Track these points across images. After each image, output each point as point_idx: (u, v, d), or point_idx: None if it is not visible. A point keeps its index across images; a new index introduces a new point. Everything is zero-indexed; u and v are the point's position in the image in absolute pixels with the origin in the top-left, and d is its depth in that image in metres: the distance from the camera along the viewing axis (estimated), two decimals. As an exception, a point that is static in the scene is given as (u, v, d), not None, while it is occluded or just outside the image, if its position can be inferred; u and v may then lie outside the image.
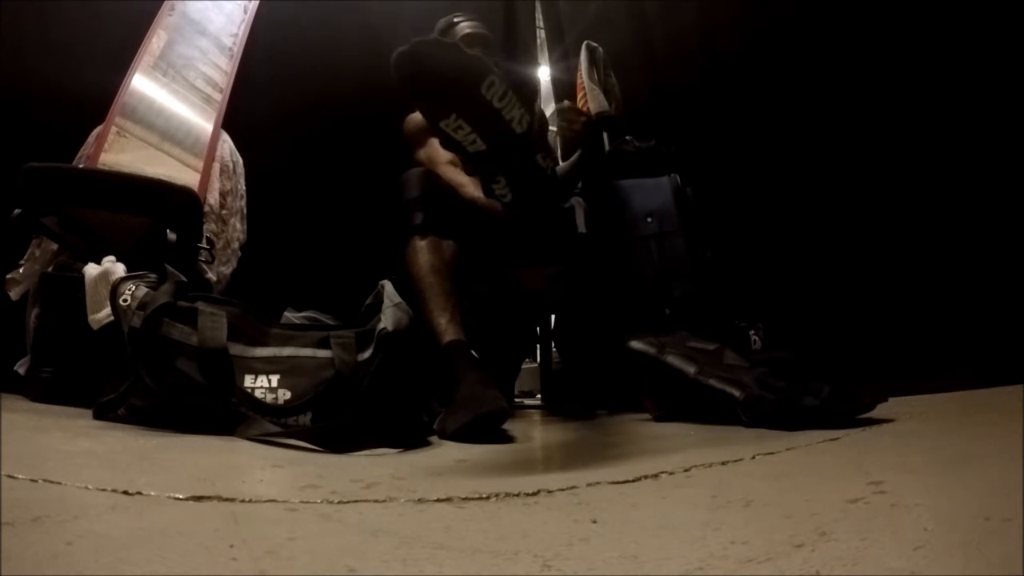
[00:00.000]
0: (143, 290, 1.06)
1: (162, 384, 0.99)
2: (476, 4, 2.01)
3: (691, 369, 1.23)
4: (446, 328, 1.23)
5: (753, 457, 0.78)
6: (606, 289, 1.48)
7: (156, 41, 1.85)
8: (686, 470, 0.71)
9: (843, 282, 1.79)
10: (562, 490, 0.63)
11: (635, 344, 1.32)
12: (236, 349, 1.03)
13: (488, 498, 0.60)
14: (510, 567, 0.42)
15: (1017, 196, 1.55)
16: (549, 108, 1.72)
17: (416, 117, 1.63)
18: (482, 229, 1.41)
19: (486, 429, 1.04)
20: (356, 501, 0.58)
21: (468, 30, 1.68)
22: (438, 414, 1.12)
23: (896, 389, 1.39)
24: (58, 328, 1.36)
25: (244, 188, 1.91)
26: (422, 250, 1.31)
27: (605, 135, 1.84)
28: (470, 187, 1.43)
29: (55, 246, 1.50)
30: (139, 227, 1.44)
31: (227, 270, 1.81)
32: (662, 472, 0.70)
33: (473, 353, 1.22)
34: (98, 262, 1.19)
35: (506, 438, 1.07)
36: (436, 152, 1.55)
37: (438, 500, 0.59)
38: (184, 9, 1.97)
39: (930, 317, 1.63)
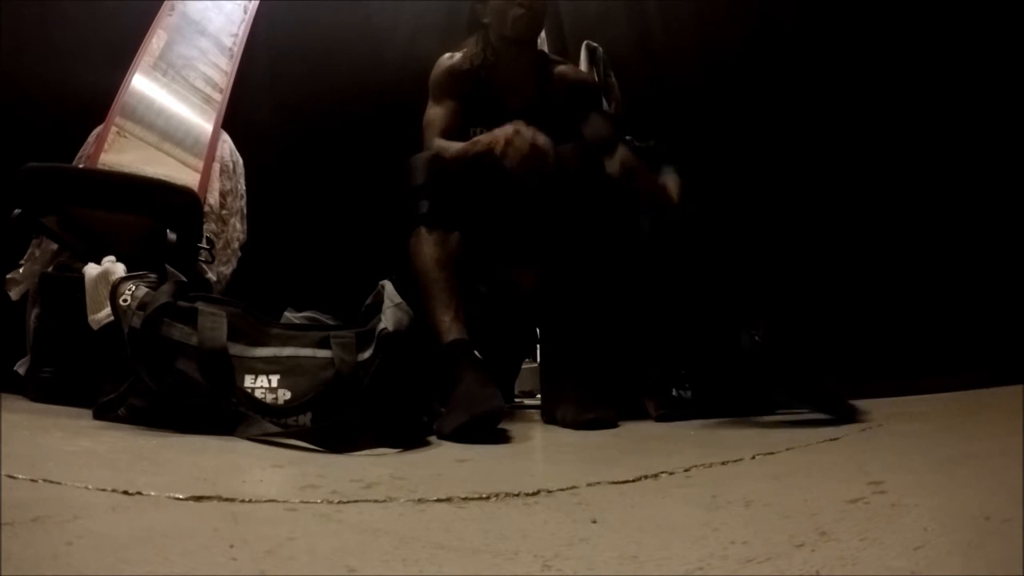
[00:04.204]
0: (143, 290, 1.06)
1: (162, 384, 0.99)
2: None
3: None
4: (450, 326, 1.19)
5: (753, 457, 0.78)
6: (606, 289, 1.48)
7: (156, 41, 1.85)
8: (686, 470, 0.71)
9: (844, 282, 1.79)
10: (562, 490, 0.63)
11: None
12: (236, 349, 1.03)
13: (488, 498, 0.60)
14: (510, 567, 0.42)
15: (1017, 196, 1.55)
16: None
17: (442, 63, 1.53)
18: (486, 223, 1.39)
19: (482, 429, 1.04)
20: (356, 501, 0.58)
21: None
22: (438, 414, 1.12)
23: (896, 389, 1.39)
24: (58, 328, 1.36)
25: (244, 188, 1.91)
26: (428, 243, 1.26)
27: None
28: (454, 145, 1.37)
29: (55, 246, 1.50)
30: (139, 227, 1.44)
31: (227, 270, 1.81)
32: (662, 472, 0.70)
33: (476, 353, 1.21)
34: (98, 262, 1.19)
35: (506, 438, 1.07)
36: (435, 116, 1.49)
37: (438, 500, 0.59)
38: (184, 9, 1.97)
39: (930, 317, 1.63)
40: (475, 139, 1.35)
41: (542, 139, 1.27)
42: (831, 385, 1.33)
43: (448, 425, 1.05)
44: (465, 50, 1.54)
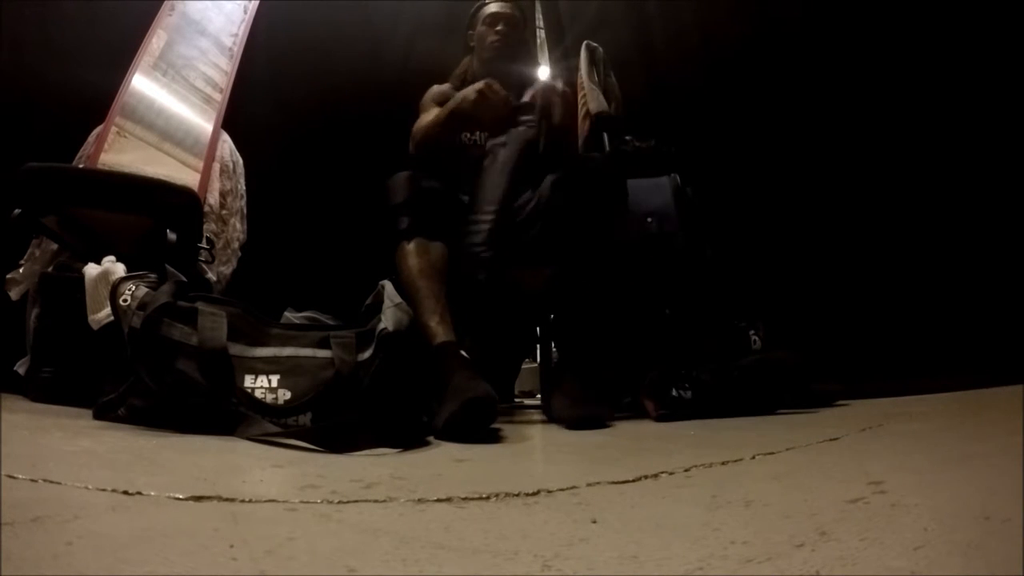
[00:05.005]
0: (143, 290, 1.06)
1: (162, 384, 0.99)
2: (475, 4, 2.01)
3: None
4: (436, 330, 1.24)
5: (753, 457, 0.78)
6: (606, 290, 1.48)
7: (156, 41, 1.85)
8: (686, 470, 0.71)
9: (844, 282, 1.79)
10: (562, 490, 0.63)
11: None
12: (236, 349, 1.03)
13: (488, 498, 0.60)
14: (510, 567, 0.42)
15: (1017, 196, 1.55)
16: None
17: (431, 90, 1.67)
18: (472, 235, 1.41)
19: (475, 416, 1.05)
20: (356, 501, 0.58)
21: (494, 9, 1.71)
22: (436, 414, 1.12)
23: (896, 389, 1.39)
24: (58, 328, 1.36)
25: (244, 188, 1.91)
26: (410, 254, 1.32)
27: (605, 135, 1.84)
28: (440, 111, 1.50)
29: (55, 246, 1.50)
30: (139, 227, 1.44)
31: (227, 270, 1.81)
32: (662, 472, 0.70)
33: (463, 353, 1.22)
34: (98, 262, 1.19)
35: (505, 438, 1.07)
36: (422, 119, 1.59)
37: (438, 500, 0.59)
38: (184, 9, 1.97)
39: (930, 317, 1.63)
40: (446, 105, 1.49)
41: (502, 91, 1.43)
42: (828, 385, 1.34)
43: (441, 417, 1.06)
44: (451, 80, 1.71)
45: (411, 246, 1.33)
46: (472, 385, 1.08)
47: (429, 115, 1.58)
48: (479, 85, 1.42)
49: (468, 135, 1.59)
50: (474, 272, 1.36)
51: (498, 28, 1.67)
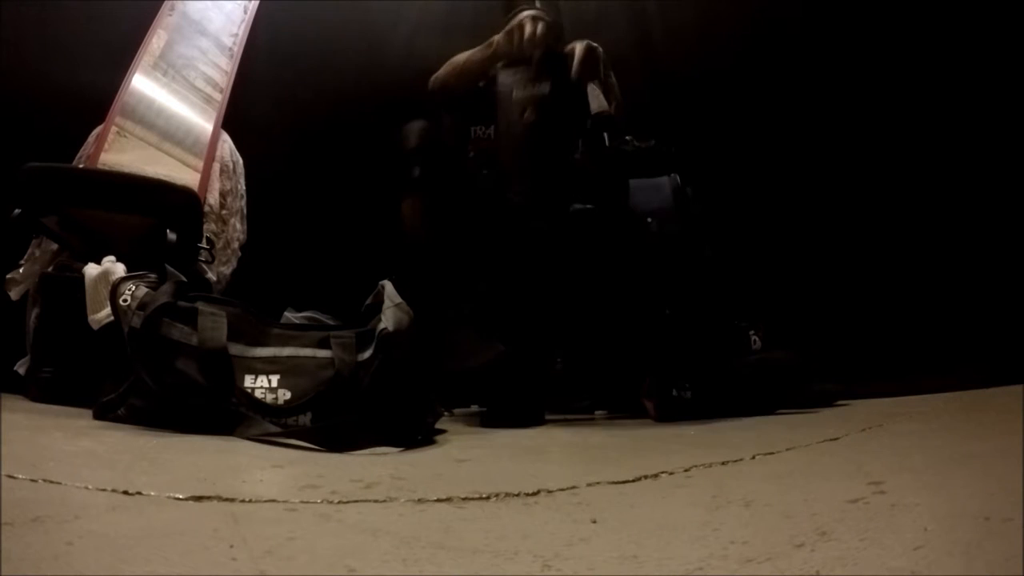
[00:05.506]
0: (143, 290, 1.06)
1: (162, 384, 0.99)
2: (476, 4, 2.02)
3: None
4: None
5: (753, 457, 0.78)
6: (607, 289, 1.48)
7: (156, 41, 1.85)
8: (686, 470, 0.71)
9: (843, 282, 1.79)
10: (562, 490, 0.63)
11: None
12: (236, 349, 1.03)
13: (488, 498, 0.60)
14: (510, 567, 0.42)
15: (1017, 196, 1.55)
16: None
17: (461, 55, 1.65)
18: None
19: (510, 367, 1.05)
20: (356, 501, 0.58)
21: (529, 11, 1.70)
22: (440, 415, 1.12)
23: (896, 389, 1.39)
24: (58, 328, 1.36)
25: (244, 188, 1.91)
26: (419, 207, 1.31)
27: (605, 135, 1.84)
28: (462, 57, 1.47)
29: (55, 246, 1.50)
30: (139, 227, 1.44)
31: (227, 270, 1.81)
32: (662, 472, 0.70)
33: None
34: (98, 262, 1.19)
35: (504, 437, 1.07)
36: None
37: (438, 500, 0.59)
38: (184, 9, 1.97)
39: (930, 316, 1.63)
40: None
41: (541, 25, 1.38)
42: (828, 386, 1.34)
43: (478, 360, 1.06)
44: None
45: (419, 204, 1.31)
46: (486, 345, 1.08)
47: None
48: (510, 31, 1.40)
49: (479, 129, 1.54)
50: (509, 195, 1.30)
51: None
